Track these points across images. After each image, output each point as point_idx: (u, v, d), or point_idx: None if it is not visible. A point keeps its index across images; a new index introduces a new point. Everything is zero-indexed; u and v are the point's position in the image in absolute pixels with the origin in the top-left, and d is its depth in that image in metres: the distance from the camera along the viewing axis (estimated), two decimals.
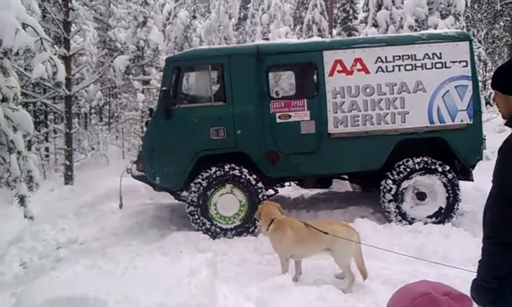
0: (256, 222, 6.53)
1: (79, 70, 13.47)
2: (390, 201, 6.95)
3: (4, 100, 3.41)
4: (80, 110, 17.32)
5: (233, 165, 6.78)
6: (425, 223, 6.84)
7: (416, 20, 14.94)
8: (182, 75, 7.13)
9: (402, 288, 1.29)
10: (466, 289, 1.91)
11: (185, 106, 7.06)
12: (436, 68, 6.81)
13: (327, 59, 6.80)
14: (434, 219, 6.92)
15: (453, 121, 6.84)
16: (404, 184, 6.90)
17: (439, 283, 1.23)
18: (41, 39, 3.53)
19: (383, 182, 6.99)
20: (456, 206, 6.94)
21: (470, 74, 6.81)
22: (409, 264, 5.36)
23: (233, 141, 6.81)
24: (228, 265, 5.67)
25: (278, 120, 6.81)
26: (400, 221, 6.91)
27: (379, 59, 6.80)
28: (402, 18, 15.52)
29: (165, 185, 7.05)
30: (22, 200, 3.84)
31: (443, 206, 6.92)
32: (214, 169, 6.77)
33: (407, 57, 6.80)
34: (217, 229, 6.82)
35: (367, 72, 6.81)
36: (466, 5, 16.83)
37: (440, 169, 6.86)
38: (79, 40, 13.74)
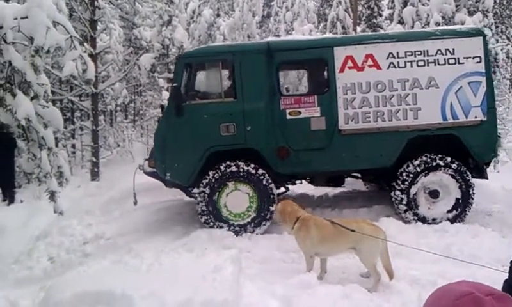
0: (270, 208, 6.67)
1: (105, 68, 13.67)
2: (405, 211, 6.89)
3: (35, 97, 3.47)
4: (106, 108, 17.58)
5: (228, 162, 6.79)
6: (448, 219, 6.75)
7: (443, 17, 14.72)
8: (193, 72, 7.14)
9: (441, 288, 1.26)
10: None
11: (195, 103, 7.05)
12: (449, 63, 6.72)
13: (338, 55, 6.76)
14: (454, 211, 6.82)
15: (466, 118, 6.74)
16: (413, 190, 6.85)
17: (479, 283, 1.20)
18: (71, 37, 3.59)
19: (392, 194, 6.94)
20: (471, 193, 6.81)
21: (483, 70, 6.71)
22: (436, 264, 5.27)
23: (243, 138, 6.80)
24: (252, 262, 5.67)
25: (288, 116, 6.79)
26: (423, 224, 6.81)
27: (391, 55, 6.75)
28: (428, 15, 15.30)
29: (176, 180, 7.08)
30: (52, 195, 3.91)
31: (459, 196, 6.82)
32: (211, 173, 6.81)
33: (419, 52, 6.73)
34: (237, 228, 6.83)
35: (379, 68, 6.76)
36: (495, 1, 16.51)
37: (441, 163, 6.77)
38: (105, 38, 13.94)
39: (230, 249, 5.87)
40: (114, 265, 5.83)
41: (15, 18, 3.45)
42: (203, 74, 7.50)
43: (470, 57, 6.72)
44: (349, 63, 6.74)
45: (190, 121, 6.81)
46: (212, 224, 6.85)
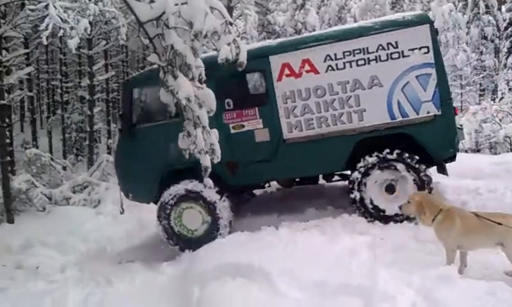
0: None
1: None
2: (359, 209, 6.63)
3: (192, 79, 3.76)
4: None
5: (176, 185, 6.91)
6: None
7: None
8: (141, 96, 7.26)
9: None
10: None
11: (146, 125, 7.13)
12: (392, 59, 6.27)
13: (274, 64, 6.53)
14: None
15: (418, 114, 6.30)
16: (366, 186, 6.54)
17: None
18: (226, 22, 3.81)
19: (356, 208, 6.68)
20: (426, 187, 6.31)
21: (432, 61, 6.19)
22: None
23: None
24: (386, 250, 5.56)
25: (232, 131, 6.74)
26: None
27: (328, 57, 6.41)
28: None
29: (138, 200, 7.45)
30: (205, 170, 4.22)
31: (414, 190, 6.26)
32: (158, 204, 6.98)
33: (358, 51, 6.33)
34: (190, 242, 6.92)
35: (316, 73, 6.46)
36: None
37: (391, 158, 6.41)
38: (239, 24, 14.45)
39: (364, 235, 5.84)
40: (251, 239, 6.11)
41: (176, 4, 3.75)
42: (150, 96, 7.37)
43: (416, 49, 6.21)
44: (286, 71, 6.50)
45: (143, 143, 6.97)
46: (171, 242, 7.10)
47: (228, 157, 6.55)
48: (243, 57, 3.79)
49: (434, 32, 6.37)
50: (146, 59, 30.26)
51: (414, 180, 6.39)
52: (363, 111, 6.43)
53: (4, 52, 13.66)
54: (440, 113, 6.27)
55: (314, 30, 13.87)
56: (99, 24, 16.52)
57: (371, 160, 6.47)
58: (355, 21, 22.26)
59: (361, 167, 6.52)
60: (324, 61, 6.44)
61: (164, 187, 7.01)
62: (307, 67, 6.47)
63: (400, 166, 6.40)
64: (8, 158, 13.75)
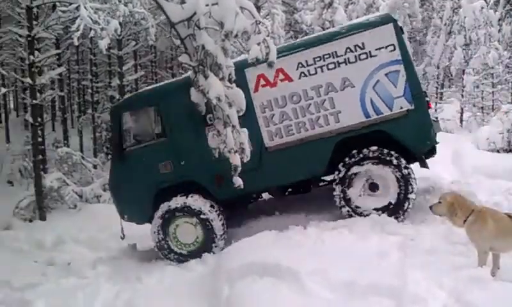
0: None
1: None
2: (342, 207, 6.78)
3: (222, 78, 3.80)
4: None
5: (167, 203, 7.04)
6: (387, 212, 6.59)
7: None
8: (127, 120, 7.47)
9: None
10: None
11: (134, 148, 7.39)
12: (360, 59, 6.50)
13: (250, 76, 6.71)
14: (391, 204, 6.62)
15: (391, 111, 6.49)
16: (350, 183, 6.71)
17: None
18: (256, 21, 3.83)
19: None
20: (410, 184, 6.53)
21: (400, 58, 6.41)
22: None
23: (181, 172, 7.06)
24: (417, 251, 5.49)
25: None
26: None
27: (300, 65, 6.62)
28: None
29: (132, 221, 7.55)
30: (235, 169, 4.26)
31: (396, 187, 6.57)
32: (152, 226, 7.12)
33: (328, 55, 6.55)
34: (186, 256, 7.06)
35: (290, 80, 6.67)
36: None
37: (370, 155, 6.57)
38: (266, 23, 14.44)
39: (394, 236, 5.78)
40: (278, 238, 6.12)
41: (207, 5, 3.79)
42: (136, 120, 7.65)
43: (382, 48, 6.42)
44: (262, 82, 6.72)
45: (133, 166, 7.22)
46: (167, 255, 7.17)
47: (215, 171, 6.81)
48: (273, 57, 3.80)
49: (399, 30, 6.54)
50: (174, 59, 30.67)
51: (396, 177, 6.55)
52: (339, 113, 6.62)
53: (36, 52, 14.00)
54: (412, 107, 6.43)
55: None
56: (129, 25, 16.81)
57: (352, 159, 6.64)
58: None
59: (342, 165, 6.69)
60: (297, 69, 6.66)
61: (157, 207, 7.20)
62: (281, 76, 6.68)
63: (380, 163, 6.59)
64: (40, 156, 14.09)
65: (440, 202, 5.06)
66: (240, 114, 4.30)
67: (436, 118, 6.59)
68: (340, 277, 4.66)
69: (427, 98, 6.87)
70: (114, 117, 7.55)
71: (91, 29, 9.75)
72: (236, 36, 3.78)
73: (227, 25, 3.68)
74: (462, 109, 20.25)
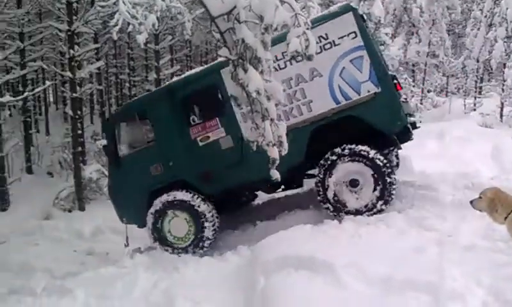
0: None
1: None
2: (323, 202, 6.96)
3: (261, 72, 3.84)
4: None
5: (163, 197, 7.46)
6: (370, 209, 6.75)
7: None
8: (120, 129, 8.02)
9: None
10: None
11: (128, 154, 8.00)
12: (325, 49, 6.72)
13: (225, 75, 6.83)
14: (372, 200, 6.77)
15: (359, 95, 6.72)
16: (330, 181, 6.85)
17: None
18: (296, 14, 3.84)
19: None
20: (387, 179, 6.70)
21: (362, 43, 6.65)
22: None
23: (170, 173, 7.51)
24: (455, 247, 5.38)
25: (201, 143, 7.34)
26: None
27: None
28: None
29: (131, 223, 7.95)
30: (273, 162, 4.30)
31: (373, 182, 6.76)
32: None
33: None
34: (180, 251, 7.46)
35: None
36: None
37: (346, 153, 6.76)
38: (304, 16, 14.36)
39: (431, 231, 5.71)
40: (313, 231, 6.13)
41: None
42: (128, 128, 8.27)
43: (344, 36, 6.67)
44: None
45: (128, 171, 7.74)
46: (157, 243, 7.58)
47: (202, 168, 7.34)
48: (312, 50, 3.80)
49: (359, 18, 6.80)
50: (208, 54, 30.92)
51: (372, 174, 6.74)
52: (310, 102, 6.89)
53: (76, 47, 14.37)
54: (379, 90, 6.64)
55: (379, 21, 13.60)
56: (165, 20, 17.02)
57: (332, 156, 6.86)
58: (421, 11, 21.68)
59: (322, 163, 6.91)
60: None
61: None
62: None
63: (355, 161, 6.78)
64: (80, 148, 14.51)
65: (480, 197, 4.97)
66: (278, 106, 4.36)
67: (405, 99, 6.95)
68: (377, 271, 4.65)
69: (396, 81, 7.08)
70: (108, 128, 8.18)
71: (129, 23, 9.94)
72: (276, 29, 3.81)
73: (267, 19, 3.70)
74: (502, 103, 19.67)
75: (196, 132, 7.38)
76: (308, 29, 3.76)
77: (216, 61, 7.89)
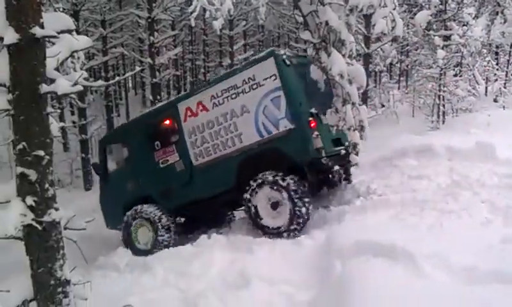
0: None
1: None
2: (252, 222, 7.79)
3: (344, 55, 3.77)
4: (375, 68, 17.78)
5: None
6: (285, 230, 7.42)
7: None
8: (108, 150, 9.69)
9: None
10: None
11: (112, 171, 9.66)
12: (253, 89, 7.66)
13: (181, 109, 8.39)
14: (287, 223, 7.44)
15: (278, 130, 7.52)
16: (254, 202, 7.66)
17: None
18: None
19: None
20: (299, 205, 7.33)
21: (280, 85, 7.39)
22: None
23: (140, 189, 8.99)
24: None
25: (161, 165, 8.68)
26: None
27: (213, 97, 8.05)
28: None
29: (113, 229, 9.40)
30: (354, 147, 4.25)
31: (290, 207, 7.40)
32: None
33: (231, 88, 7.88)
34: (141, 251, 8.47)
35: (207, 110, 8.14)
36: None
37: (266, 180, 7.55)
38: None
39: None
40: (391, 220, 6.01)
41: None
42: (114, 150, 9.89)
43: (267, 78, 7.49)
44: (189, 113, 8.30)
45: (112, 185, 9.38)
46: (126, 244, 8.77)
47: (162, 186, 8.70)
48: (399, 31, 3.69)
49: (280, 62, 7.44)
50: (280, 38, 30.85)
51: (287, 197, 7.36)
52: (241, 135, 7.86)
53: (155, 33, 14.84)
54: (293, 126, 7.39)
55: (462, 1, 12.90)
56: (240, 5, 17.16)
57: (256, 182, 7.63)
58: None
59: (249, 187, 7.69)
60: (211, 100, 8.12)
61: None
62: (201, 107, 8.23)
63: (275, 186, 7.49)
64: None
65: None
66: (361, 91, 4.27)
67: (318, 134, 7.31)
68: (460, 261, 4.47)
69: (311, 118, 7.44)
70: (100, 147, 9.87)
71: (205, 9, 10.13)
72: (361, 10, 3.73)
73: (352, 0, 3.64)
74: None
75: (159, 156, 8.75)
76: (394, 8, 3.63)
77: (173, 97, 9.15)
